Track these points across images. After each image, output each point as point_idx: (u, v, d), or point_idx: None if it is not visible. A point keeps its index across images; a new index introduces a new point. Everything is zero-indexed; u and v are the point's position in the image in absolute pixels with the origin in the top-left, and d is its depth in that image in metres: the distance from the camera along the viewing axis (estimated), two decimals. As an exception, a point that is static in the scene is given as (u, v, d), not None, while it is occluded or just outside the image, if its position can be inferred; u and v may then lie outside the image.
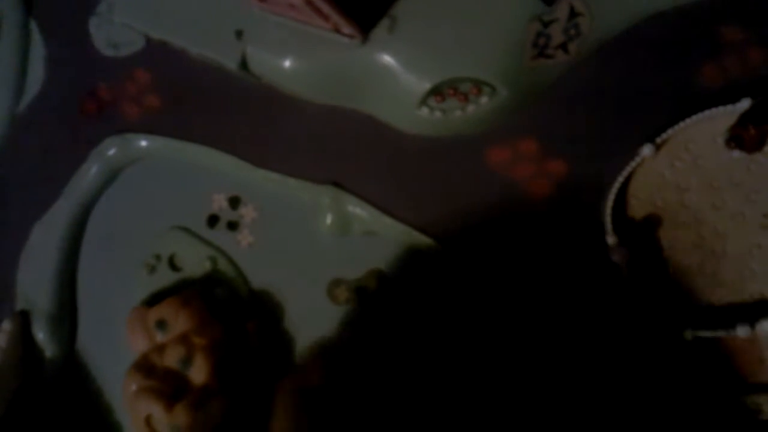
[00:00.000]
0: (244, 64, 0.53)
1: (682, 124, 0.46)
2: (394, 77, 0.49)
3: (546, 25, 0.47)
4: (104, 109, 0.59)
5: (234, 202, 0.56)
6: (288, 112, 0.55)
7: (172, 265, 0.56)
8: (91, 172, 0.58)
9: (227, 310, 0.54)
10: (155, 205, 0.58)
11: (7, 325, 0.56)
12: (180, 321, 0.51)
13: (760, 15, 0.48)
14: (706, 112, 0.45)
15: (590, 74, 0.50)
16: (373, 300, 0.52)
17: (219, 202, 0.56)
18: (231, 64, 0.53)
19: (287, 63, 0.51)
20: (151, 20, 0.56)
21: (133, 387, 0.50)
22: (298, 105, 0.55)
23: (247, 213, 0.56)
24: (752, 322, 0.43)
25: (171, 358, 0.50)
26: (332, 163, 0.54)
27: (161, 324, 0.51)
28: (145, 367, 0.50)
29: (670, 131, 0.46)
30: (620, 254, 0.46)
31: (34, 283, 0.58)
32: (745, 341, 0.45)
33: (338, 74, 0.51)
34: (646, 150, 0.46)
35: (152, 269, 0.56)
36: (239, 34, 0.52)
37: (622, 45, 0.50)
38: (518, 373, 0.48)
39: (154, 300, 0.54)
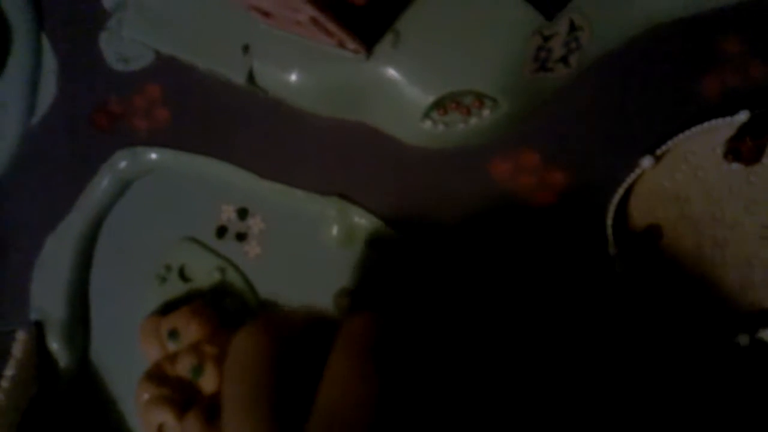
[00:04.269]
0: (251, 79, 0.53)
1: (681, 136, 0.46)
2: (397, 91, 0.50)
3: (546, 39, 0.48)
4: (115, 122, 0.60)
5: (242, 214, 0.57)
6: (295, 124, 0.55)
7: (182, 276, 0.57)
8: (102, 184, 0.59)
9: (236, 319, 0.55)
10: (165, 217, 0.59)
11: (21, 335, 0.56)
12: (192, 330, 0.52)
13: (760, 27, 0.48)
14: (705, 124, 0.45)
15: (590, 86, 0.50)
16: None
17: (228, 214, 0.57)
18: (238, 79, 0.53)
19: (293, 77, 0.52)
20: (159, 36, 0.57)
21: (146, 396, 0.50)
22: (304, 118, 0.55)
23: (254, 224, 0.56)
24: (752, 332, 0.44)
25: (183, 367, 0.51)
26: (338, 175, 0.55)
27: (173, 333, 0.52)
28: (157, 375, 0.51)
29: (669, 143, 0.46)
30: (621, 265, 0.47)
31: (48, 294, 0.59)
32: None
33: (343, 88, 0.52)
34: (646, 162, 0.46)
35: (163, 280, 0.57)
36: (246, 49, 0.53)
37: (622, 57, 0.50)
38: (521, 382, 0.49)
39: (164, 310, 0.55)
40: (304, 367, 0.37)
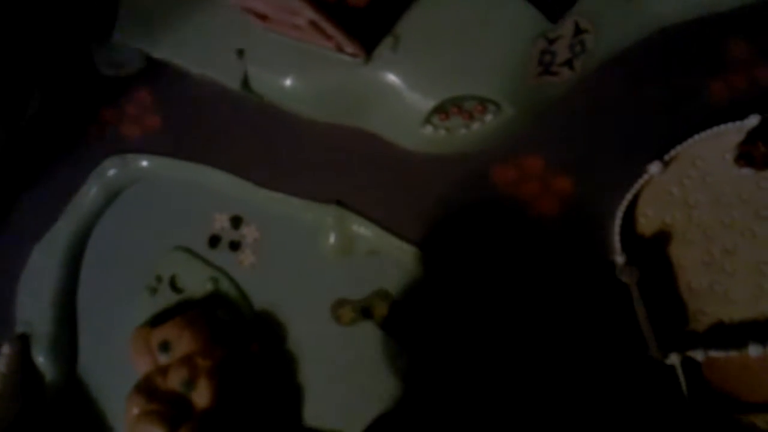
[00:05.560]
0: (246, 84, 0.53)
1: (690, 141, 0.45)
2: (397, 95, 0.49)
3: (551, 42, 0.47)
4: (104, 129, 0.58)
5: (236, 222, 0.56)
6: (290, 130, 0.54)
7: (174, 287, 0.56)
8: (91, 193, 0.58)
9: (230, 331, 0.53)
10: (156, 226, 0.57)
11: (6, 349, 0.55)
12: (184, 343, 0.51)
13: (767, 30, 0.48)
14: (714, 129, 0.45)
15: (596, 91, 0.50)
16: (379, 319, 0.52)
17: (221, 222, 0.56)
18: (233, 84, 0.52)
19: (289, 82, 0.51)
20: (152, 40, 0.56)
21: (136, 410, 0.49)
22: (300, 123, 0.54)
23: (249, 233, 0.55)
24: (764, 341, 0.43)
25: (174, 381, 0.49)
26: (335, 182, 0.53)
27: (165, 345, 0.51)
28: (147, 389, 0.50)
29: (678, 148, 0.46)
30: (629, 273, 0.46)
31: (34, 306, 0.57)
32: (758, 360, 0.44)
33: (341, 93, 0.51)
34: (654, 167, 0.46)
35: (153, 291, 0.56)
36: (241, 53, 0.52)
37: (628, 61, 0.50)
38: (524, 391, 0.48)
39: (155, 322, 0.54)
40: None
